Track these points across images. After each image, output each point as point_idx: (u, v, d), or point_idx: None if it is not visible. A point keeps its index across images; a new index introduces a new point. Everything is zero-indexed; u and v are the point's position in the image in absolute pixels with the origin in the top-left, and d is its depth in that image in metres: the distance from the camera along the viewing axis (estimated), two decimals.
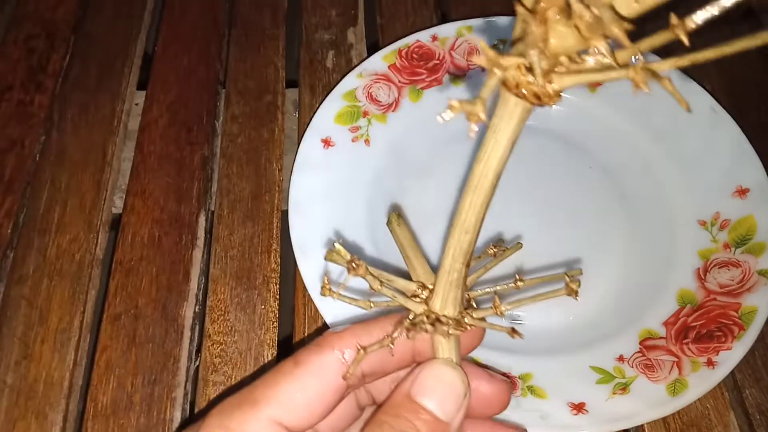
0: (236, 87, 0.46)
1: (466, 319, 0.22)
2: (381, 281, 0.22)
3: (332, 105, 0.40)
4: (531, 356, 0.33)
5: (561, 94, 0.17)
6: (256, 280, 0.38)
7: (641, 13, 0.15)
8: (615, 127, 0.40)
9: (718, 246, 0.36)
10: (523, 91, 0.16)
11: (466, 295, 0.23)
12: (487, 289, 0.24)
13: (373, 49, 0.48)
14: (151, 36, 0.50)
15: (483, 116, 0.15)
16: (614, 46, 0.16)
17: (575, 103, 0.41)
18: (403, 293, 0.23)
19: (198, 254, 0.39)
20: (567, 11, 0.15)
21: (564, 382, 0.32)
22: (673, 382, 0.31)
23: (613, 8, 0.15)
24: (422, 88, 0.42)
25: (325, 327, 0.36)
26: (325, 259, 0.23)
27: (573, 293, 0.23)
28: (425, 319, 0.22)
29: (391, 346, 0.22)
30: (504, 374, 0.33)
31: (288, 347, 0.37)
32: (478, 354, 0.33)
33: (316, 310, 0.36)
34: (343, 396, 0.22)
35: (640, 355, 0.33)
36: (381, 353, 0.22)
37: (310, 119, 0.41)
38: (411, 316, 0.22)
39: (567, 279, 0.23)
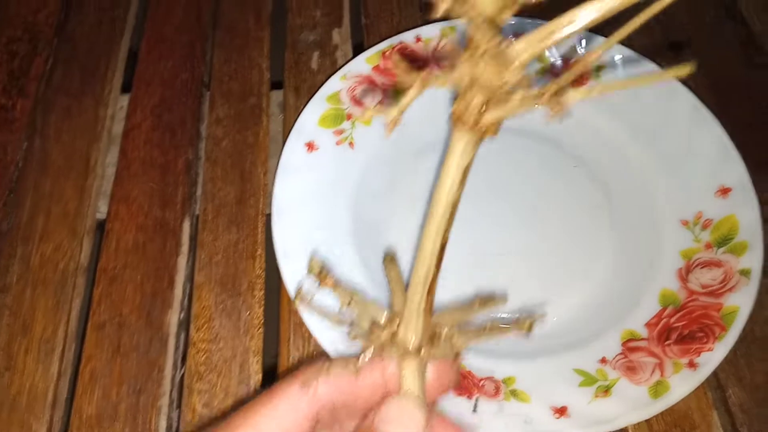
0: (221, 89, 0.46)
1: (422, 350, 0.23)
2: (352, 298, 0.23)
3: (316, 108, 0.40)
4: (514, 359, 0.33)
5: (499, 125, 0.18)
6: (241, 286, 0.38)
7: (543, 49, 0.17)
8: (598, 127, 0.40)
9: (700, 246, 0.36)
10: (464, 122, 0.18)
11: (435, 327, 0.24)
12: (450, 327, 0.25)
13: (358, 49, 0.48)
14: (135, 38, 0.50)
15: (399, 120, 0.17)
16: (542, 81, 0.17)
17: None
18: (369, 313, 0.24)
19: (182, 260, 0.39)
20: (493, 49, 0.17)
21: (547, 385, 0.32)
22: (655, 384, 0.32)
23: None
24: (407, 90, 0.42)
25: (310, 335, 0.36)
26: (308, 273, 0.24)
27: (527, 331, 0.25)
28: (389, 343, 0.23)
29: (356, 370, 0.22)
30: (487, 377, 0.33)
31: (274, 355, 0.37)
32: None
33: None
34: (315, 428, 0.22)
35: (623, 357, 0.33)
36: (351, 384, 0.22)
37: (294, 122, 0.40)
38: (376, 340, 0.23)
39: (521, 321, 0.25)
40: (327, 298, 0.23)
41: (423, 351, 0.23)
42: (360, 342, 0.23)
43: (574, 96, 0.17)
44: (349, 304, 0.23)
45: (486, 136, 0.18)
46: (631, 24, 0.17)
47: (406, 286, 0.24)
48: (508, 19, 0.17)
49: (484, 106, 0.18)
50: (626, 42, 0.48)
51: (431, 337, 0.23)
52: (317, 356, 0.35)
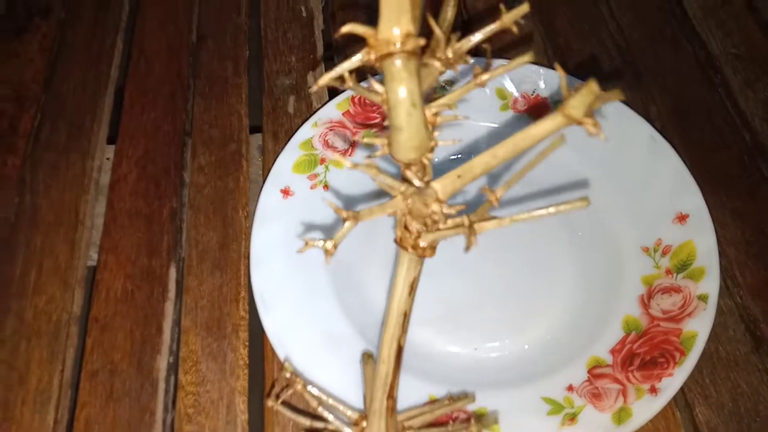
0: (201, 137, 0.48)
1: None
2: (319, 402, 0.25)
3: (290, 155, 0.42)
4: (485, 389, 0.35)
5: (435, 247, 0.21)
6: (225, 329, 0.40)
7: (465, 185, 0.20)
8: (557, 157, 0.42)
9: (660, 272, 0.37)
10: (405, 245, 0.21)
11: (398, 426, 0.26)
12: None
13: (333, 92, 0.50)
14: (119, 90, 0.52)
15: (334, 252, 0.20)
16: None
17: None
18: (342, 418, 0.26)
19: (170, 306, 0.41)
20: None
21: (517, 414, 0.34)
22: (618, 410, 0.33)
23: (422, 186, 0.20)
24: (377, 131, 0.44)
25: None
26: (277, 378, 0.26)
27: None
28: None
29: None
30: (458, 410, 0.34)
31: (260, 395, 0.38)
32: (435, 390, 0.34)
33: None
34: None
35: (588, 384, 0.34)
36: None
37: (270, 168, 0.42)
38: None
39: (472, 424, 0.29)
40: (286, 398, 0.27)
41: None
42: None
43: (486, 225, 0.20)
44: (317, 408, 0.25)
45: (425, 256, 0.21)
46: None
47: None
48: (429, 159, 0.19)
49: (420, 232, 0.20)
50: (588, 70, 0.50)
51: None
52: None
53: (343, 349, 0.36)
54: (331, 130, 0.43)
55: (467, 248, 0.20)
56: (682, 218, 0.38)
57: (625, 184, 0.40)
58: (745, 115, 0.48)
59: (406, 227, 0.21)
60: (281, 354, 0.35)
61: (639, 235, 0.39)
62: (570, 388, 0.35)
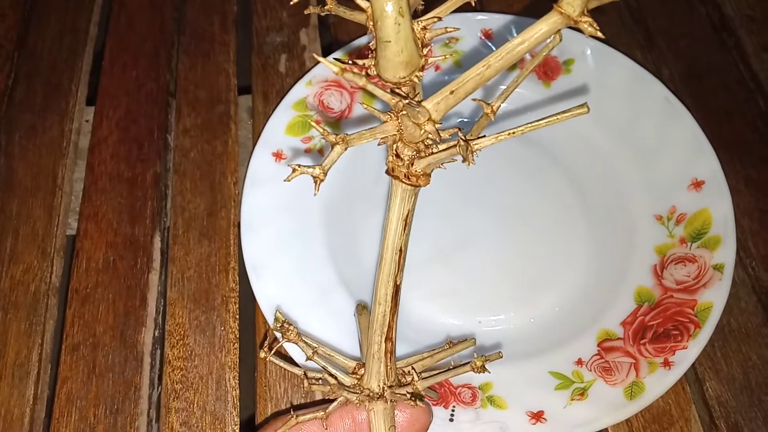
0: (187, 98, 0.45)
1: (386, 394, 0.23)
2: (315, 350, 0.24)
3: (282, 116, 0.39)
4: (492, 364, 0.33)
5: (429, 175, 0.20)
6: (214, 301, 0.38)
7: (459, 101, 0.19)
8: (570, 123, 0.40)
9: (674, 241, 0.36)
10: (397, 174, 0.20)
11: (398, 371, 0.24)
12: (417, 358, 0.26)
13: (327, 49, 0.47)
14: (98, 48, 0.49)
15: (323, 177, 0.19)
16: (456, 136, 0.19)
17: (529, 100, 0.41)
18: (332, 363, 0.24)
19: (154, 277, 0.39)
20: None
21: (523, 389, 0.32)
22: (630, 384, 0.32)
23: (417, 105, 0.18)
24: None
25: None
26: (273, 329, 0.25)
27: (481, 370, 0.25)
28: (355, 390, 0.23)
29: (325, 418, 0.23)
30: (464, 384, 0.33)
31: (251, 370, 0.36)
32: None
33: None
34: None
35: (599, 357, 0.33)
36: None
37: (261, 131, 0.40)
38: (337, 387, 0.24)
39: (475, 357, 0.25)
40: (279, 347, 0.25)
41: (387, 395, 0.23)
42: (324, 391, 0.24)
43: (482, 142, 0.19)
44: (312, 356, 0.24)
45: (419, 185, 0.20)
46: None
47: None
48: (419, 77, 0.17)
49: (412, 159, 0.19)
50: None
51: (397, 381, 0.24)
52: (288, 409, 0.34)
53: (340, 317, 0.34)
54: (326, 89, 0.40)
55: (467, 165, 0.19)
56: (697, 185, 0.36)
57: (638, 149, 0.38)
58: (760, 79, 0.45)
59: (397, 154, 0.19)
60: (273, 325, 0.33)
61: (652, 203, 0.37)
62: (579, 362, 0.33)
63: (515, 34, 0.41)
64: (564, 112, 0.18)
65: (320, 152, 0.40)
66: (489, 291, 0.36)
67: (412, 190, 0.20)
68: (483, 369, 0.25)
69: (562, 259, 0.37)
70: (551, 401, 0.32)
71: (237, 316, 0.37)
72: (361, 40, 0.42)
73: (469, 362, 0.25)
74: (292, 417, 0.23)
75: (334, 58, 0.20)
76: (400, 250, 0.21)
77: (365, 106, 0.19)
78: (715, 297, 0.33)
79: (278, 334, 0.27)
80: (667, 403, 0.34)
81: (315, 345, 0.24)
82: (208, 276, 0.38)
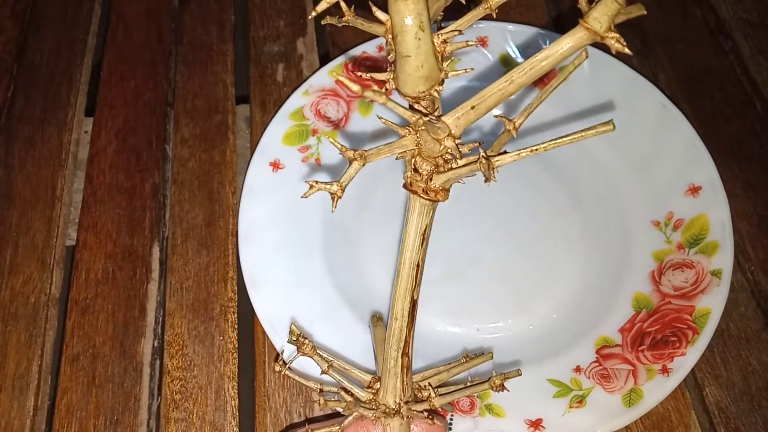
0: (185, 108, 0.45)
1: (402, 410, 0.23)
2: (330, 364, 0.24)
3: (279, 126, 0.40)
4: (487, 372, 0.33)
5: (447, 190, 0.20)
6: (213, 311, 0.38)
7: (480, 116, 0.19)
8: (566, 129, 0.40)
9: (672, 247, 0.36)
10: (415, 189, 0.20)
11: (414, 386, 0.24)
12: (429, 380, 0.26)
13: (325, 58, 0.47)
14: (97, 58, 0.49)
15: (341, 194, 0.19)
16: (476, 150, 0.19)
17: (523, 107, 0.41)
18: (347, 378, 0.24)
19: (153, 287, 0.39)
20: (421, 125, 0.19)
21: (522, 397, 0.32)
22: (629, 392, 0.31)
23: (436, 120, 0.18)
24: (372, 101, 0.41)
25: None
26: (288, 342, 0.24)
27: (500, 389, 0.26)
28: (370, 406, 0.23)
29: (339, 430, 0.23)
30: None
31: (250, 379, 0.36)
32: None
33: None
34: None
35: (597, 364, 0.33)
36: None
37: (258, 140, 0.40)
38: (353, 403, 0.23)
39: (494, 375, 0.26)
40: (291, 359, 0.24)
41: (404, 411, 0.23)
42: (338, 407, 0.24)
43: (503, 159, 0.18)
44: (328, 370, 0.24)
45: (437, 200, 0.20)
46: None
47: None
48: (439, 92, 0.17)
49: (431, 174, 0.19)
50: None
51: (413, 396, 0.24)
52: (300, 423, 0.34)
53: (337, 327, 0.34)
54: (323, 98, 0.41)
55: (487, 183, 0.19)
56: (694, 190, 0.36)
57: (634, 155, 0.38)
58: (757, 83, 0.45)
59: (415, 169, 0.19)
60: (272, 336, 0.33)
61: (649, 209, 0.37)
62: (577, 369, 0.33)
63: (511, 42, 0.41)
64: (588, 129, 0.18)
65: (317, 162, 0.40)
66: (487, 298, 0.36)
67: (430, 205, 0.20)
68: (502, 387, 0.25)
69: (559, 265, 0.37)
70: (550, 409, 0.31)
71: (236, 326, 0.37)
72: (357, 50, 0.42)
73: (488, 380, 0.25)
74: (307, 430, 0.23)
75: (357, 73, 0.20)
76: (418, 265, 0.21)
77: (383, 120, 0.19)
78: (713, 303, 0.33)
79: (288, 347, 0.27)
80: (667, 409, 0.34)
81: (331, 358, 0.24)
82: (207, 286, 0.38)
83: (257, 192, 0.37)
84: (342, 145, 0.19)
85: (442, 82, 0.18)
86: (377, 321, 0.29)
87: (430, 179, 0.19)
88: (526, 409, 0.32)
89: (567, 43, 0.16)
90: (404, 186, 0.20)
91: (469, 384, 0.25)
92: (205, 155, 0.43)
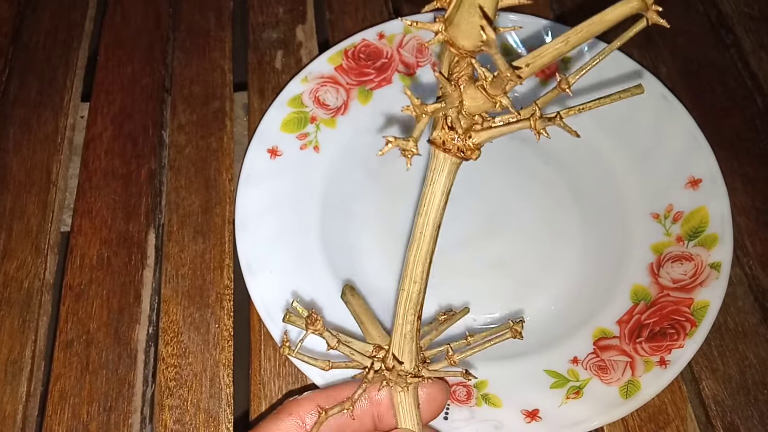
0: (182, 94, 0.45)
1: (423, 372, 0.23)
2: (338, 339, 0.23)
3: (277, 112, 0.39)
4: (486, 362, 0.33)
5: (480, 147, 0.19)
6: (209, 298, 0.37)
7: (533, 73, 0.18)
8: (566, 120, 0.39)
9: (671, 239, 0.35)
10: (449, 147, 0.19)
11: (421, 353, 0.24)
12: (440, 348, 0.25)
13: (324, 46, 0.47)
14: (94, 44, 0.48)
15: (416, 150, 0.18)
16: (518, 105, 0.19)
17: (525, 97, 0.41)
18: (357, 350, 0.24)
19: (149, 274, 0.38)
20: (474, 78, 0.18)
21: (518, 387, 0.32)
22: (626, 383, 0.31)
23: (509, 71, 0.17)
24: (371, 89, 0.41)
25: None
26: (284, 321, 0.23)
27: (518, 335, 0.25)
28: (384, 372, 0.23)
29: (352, 408, 0.23)
30: (459, 382, 0.32)
31: (245, 367, 0.36)
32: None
33: None
34: None
35: (594, 356, 0.33)
36: (341, 418, 0.22)
37: (256, 127, 0.40)
38: (370, 372, 0.23)
39: (511, 324, 0.25)
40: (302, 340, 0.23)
41: (424, 372, 0.23)
42: (357, 378, 0.23)
43: (556, 119, 0.19)
44: (338, 343, 0.23)
45: (470, 158, 0.19)
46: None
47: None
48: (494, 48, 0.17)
49: (469, 130, 0.19)
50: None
51: (424, 357, 0.23)
52: (298, 390, 0.34)
53: (334, 314, 0.34)
54: (322, 86, 0.40)
55: (537, 139, 0.18)
56: (694, 183, 0.36)
57: (634, 147, 0.38)
58: (758, 77, 0.45)
59: (451, 126, 0.19)
60: (268, 323, 0.33)
61: (649, 201, 0.37)
62: (575, 360, 0.33)
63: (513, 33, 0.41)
64: (623, 91, 0.19)
65: (315, 149, 0.39)
66: (484, 289, 0.36)
67: (458, 164, 0.20)
68: (521, 335, 0.24)
69: (557, 256, 0.37)
70: (546, 400, 0.31)
71: (231, 314, 0.37)
72: (357, 37, 0.42)
73: (506, 331, 0.25)
74: (322, 414, 0.22)
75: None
76: (439, 226, 0.21)
77: (437, 74, 0.18)
78: (711, 296, 0.33)
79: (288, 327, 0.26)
80: (663, 402, 0.34)
81: (336, 333, 0.24)
82: (203, 273, 0.38)
83: (255, 179, 0.37)
84: (413, 97, 0.18)
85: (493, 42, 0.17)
86: (351, 291, 0.28)
87: (468, 137, 0.19)
88: (523, 399, 0.31)
89: (620, 10, 0.17)
90: (432, 143, 0.19)
91: (489, 337, 0.25)
92: (202, 142, 0.43)
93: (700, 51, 0.46)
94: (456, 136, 0.19)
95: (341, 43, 0.41)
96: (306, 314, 0.23)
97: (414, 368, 0.23)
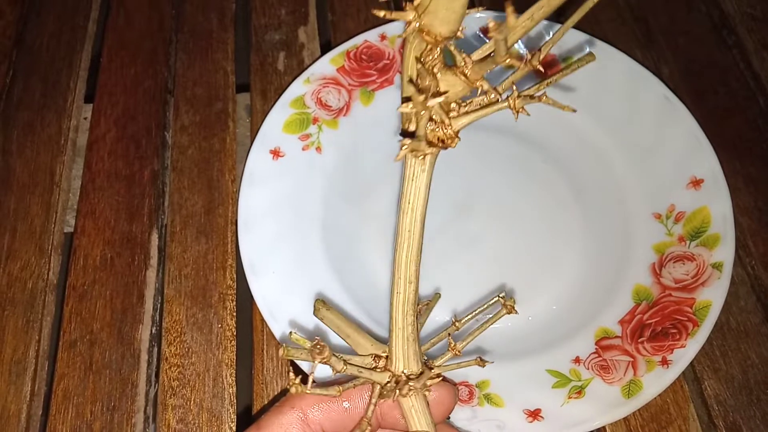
0: (185, 95, 0.45)
1: (433, 370, 0.22)
2: (344, 361, 0.22)
3: (280, 114, 0.39)
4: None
5: (458, 134, 0.19)
6: (211, 298, 0.37)
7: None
8: (567, 119, 0.40)
9: (673, 239, 0.35)
10: (431, 139, 0.18)
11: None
12: (431, 342, 0.25)
13: (326, 47, 0.47)
14: (97, 45, 0.49)
15: (428, 150, 0.18)
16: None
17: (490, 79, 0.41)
18: (365, 367, 0.23)
19: (152, 274, 0.39)
20: (448, 65, 0.18)
21: (521, 387, 0.32)
22: (628, 383, 0.31)
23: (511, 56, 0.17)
24: (373, 90, 0.41)
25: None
26: (283, 357, 0.22)
27: (512, 310, 0.25)
28: (395, 384, 0.22)
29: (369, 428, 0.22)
30: (461, 382, 0.32)
31: (248, 366, 0.36)
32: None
33: None
34: None
35: (596, 356, 0.33)
36: (342, 416, 0.22)
37: (259, 128, 0.40)
38: (378, 387, 0.22)
39: (501, 300, 0.25)
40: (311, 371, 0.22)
41: (435, 370, 0.22)
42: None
43: (531, 91, 0.18)
44: (344, 368, 0.22)
45: (451, 146, 0.19)
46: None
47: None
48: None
49: (449, 118, 0.18)
50: (596, 26, 0.47)
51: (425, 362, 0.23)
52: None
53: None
54: (324, 87, 0.40)
55: (516, 119, 0.18)
56: (696, 183, 0.36)
57: (636, 147, 0.38)
58: (760, 77, 0.45)
59: (431, 119, 0.18)
60: (271, 323, 0.33)
61: (651, 201, 0.37)
62: (577, 360, 0.33)
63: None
64: (579, 60, 0.19)
65: (317, 150, 0.39)
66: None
67: (436, 154, 0.19)
68: (514, 309, 0.24)
69: (559, 256, 0.37)
70: (548, 399, 0.31)
71: (234, 314, 0.37)
72: (359, 38, 0.42)
73: (500, 309, 0.24)
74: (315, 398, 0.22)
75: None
76: (424, 221, 0.20)
77: (408, 66, 0.18)
78: (713, 295, 0.33)
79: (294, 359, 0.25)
80: (666, 401, 0.34)
81: (342, 355, 0.23)
82: (206, 273, 0.38)
83: (257, 180, 0.37)
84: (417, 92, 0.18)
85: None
86: (324, 305, 0.27)
87: (449, 125, 0.18)
88: (525, 399, 0.32)
89: None
90: (406, 135, 0.19)
91: (481, 318, 0.25)
92: (205, 143, 0.43)
93: (702, 51, 0.46)
94: (435, 127, 0.18)
95: (343, 44, 0.42)
96: (309, 345, 0.22)
97: (423, 368, 0.22)
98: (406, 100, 0.18)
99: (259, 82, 0.45)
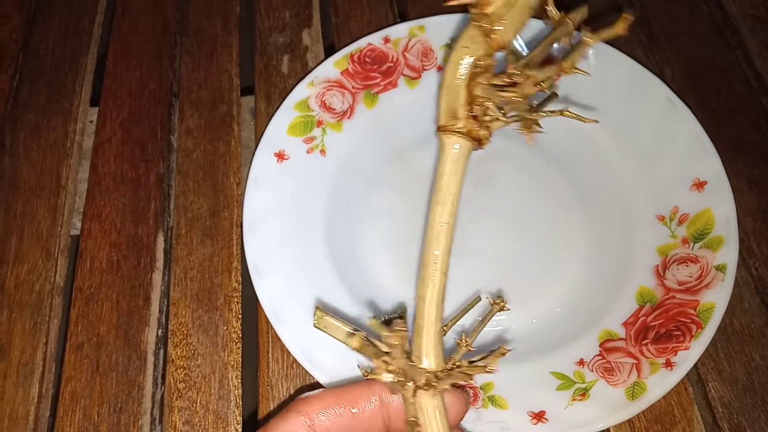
0: (190, 98, 0.45)
1: (459, 368, 0.22)
2: (375, 348, 0.22)
3: (284, 116, 0.39)
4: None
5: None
6: (217, 301, 0.38)
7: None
8: (571, 122, 0.39)
9: (677, 241, 0.35)
10: (475, 136, 0.20)
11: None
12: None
13: (330, 50, 0.47)
14: (103, 48, 0.49)
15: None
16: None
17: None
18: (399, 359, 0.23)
19: (158, 277, 0.39)
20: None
21: (525, 390, 0.32)
22: (632, 385, 0.31)
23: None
24: (377, 93, 0.41)
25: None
26: (317, 325, 0.23)
27: (503, 307, 0.26)
28: (419, 383, 0.22)
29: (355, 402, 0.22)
30: (465, 385, 0.33)
31: (253, 369, 0.37)
32: None
33: None
34: None
35: (600, 358, 0.33)
36: (350, 419, 0.22)
37: (263, 131, 0.40)
38: (397, 380, 0.22)
39: (490, 300, 0.26)
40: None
41: (461, 370, 0.22)
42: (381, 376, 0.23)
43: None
44: (375, 355, 0.22)
45: (482, 147, 0.20)
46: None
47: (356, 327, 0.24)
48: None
49: (491, 118, 0.20)
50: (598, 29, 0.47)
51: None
52: (309, 388, 0.34)
53: (341, 317, 0.34)
54: (328, 90, 0.40)
55: (528, 142, 0.21)
56: (699, 185, 0.36)
57: (640, 149, 0.38)
58: (763, 78, 0.45)
59: (474, 117, 0.20)
60: (276, 326, 0.33)
61: (654, 203, 0.37)
62: (581, 362, 0.33)
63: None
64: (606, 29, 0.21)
65: (322, 152, 0.40)
66: (489, 291, 0.36)
67: (470, 152, 0.21)
68: (503, 306, 0.25)
69: (563, 259, 0.37)
70: (553, 401, 0.32)
71: (240, 316, 0.37)
72: (363, 41, 0.42)
73: (491, 308, 0.25)
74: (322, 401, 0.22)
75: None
76: (456, 214, 0.22)
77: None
78: (717, 298, 0.33)
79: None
80: (670, 403, 0.34)
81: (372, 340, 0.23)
82: (211, 276, 0.38)
83: (262, 182, 0.37)
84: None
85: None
86: (322, 314, 0.27)
87: (490, 124, 0.20)
88: (529, 401, 0.32)
89: None
90: (455, 132, 0.20)
91: (481, 319, 0.25)
92: (210, 146, 0.43)
93: (705, 52, 0.46)
94: (478, 126, 0.20)
95: (347, 47, 0.42)
96: (346, 331, 0.22)
97: (449, 366, 0.22)
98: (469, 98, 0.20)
99: (264, 85, 0.45)
